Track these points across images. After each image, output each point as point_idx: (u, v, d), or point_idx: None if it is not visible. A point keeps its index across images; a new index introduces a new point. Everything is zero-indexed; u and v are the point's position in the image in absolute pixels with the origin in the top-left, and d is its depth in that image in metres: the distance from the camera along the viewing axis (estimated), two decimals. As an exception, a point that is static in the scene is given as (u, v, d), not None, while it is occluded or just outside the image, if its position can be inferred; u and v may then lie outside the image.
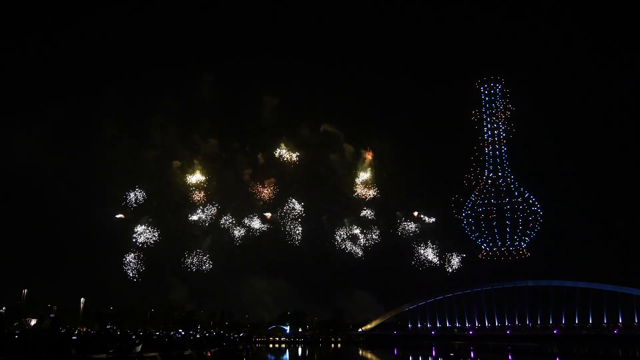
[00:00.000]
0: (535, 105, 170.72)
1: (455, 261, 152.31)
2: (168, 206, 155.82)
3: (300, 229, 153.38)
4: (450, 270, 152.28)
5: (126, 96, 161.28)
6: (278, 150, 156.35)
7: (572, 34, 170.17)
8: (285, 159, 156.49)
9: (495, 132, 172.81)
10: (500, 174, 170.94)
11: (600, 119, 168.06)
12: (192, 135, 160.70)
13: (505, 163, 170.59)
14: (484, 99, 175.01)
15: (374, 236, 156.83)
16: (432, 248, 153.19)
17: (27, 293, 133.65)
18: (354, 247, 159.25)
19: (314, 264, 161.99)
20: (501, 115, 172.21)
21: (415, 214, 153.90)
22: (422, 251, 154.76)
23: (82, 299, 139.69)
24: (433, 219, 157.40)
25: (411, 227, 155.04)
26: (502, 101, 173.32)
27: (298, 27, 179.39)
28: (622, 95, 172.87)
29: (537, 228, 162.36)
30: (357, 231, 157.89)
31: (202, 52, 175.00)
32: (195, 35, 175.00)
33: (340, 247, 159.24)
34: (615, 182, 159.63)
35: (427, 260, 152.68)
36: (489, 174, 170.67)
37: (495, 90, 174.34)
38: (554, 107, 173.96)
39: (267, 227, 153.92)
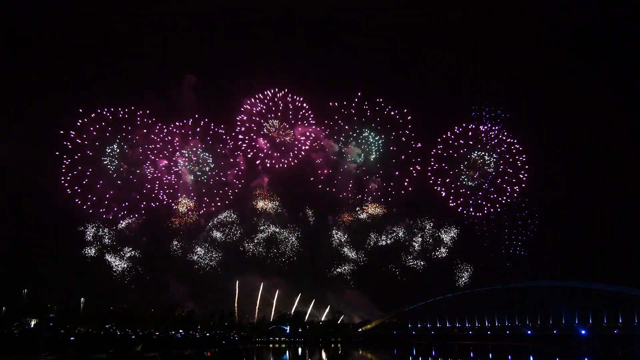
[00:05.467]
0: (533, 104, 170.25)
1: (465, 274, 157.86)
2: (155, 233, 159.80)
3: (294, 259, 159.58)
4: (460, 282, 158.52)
5: (111, 96, 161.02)
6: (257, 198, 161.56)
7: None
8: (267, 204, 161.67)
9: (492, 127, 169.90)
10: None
11: (600, 117, 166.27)
12: (175, 136, 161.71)
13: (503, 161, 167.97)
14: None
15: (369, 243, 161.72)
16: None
17: (27, 293, 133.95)
18: (348, 251, 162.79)
19: (312, 265, 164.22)
20: (499, 112, 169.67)
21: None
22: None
23: (82, 299, 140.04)
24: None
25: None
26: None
27: (285, 29, 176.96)
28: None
29: (535, 229, 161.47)
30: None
31: (185, 54, 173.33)
32: (179, 36, 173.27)
33: (334, 249, 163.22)
34: (615, 182, 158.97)
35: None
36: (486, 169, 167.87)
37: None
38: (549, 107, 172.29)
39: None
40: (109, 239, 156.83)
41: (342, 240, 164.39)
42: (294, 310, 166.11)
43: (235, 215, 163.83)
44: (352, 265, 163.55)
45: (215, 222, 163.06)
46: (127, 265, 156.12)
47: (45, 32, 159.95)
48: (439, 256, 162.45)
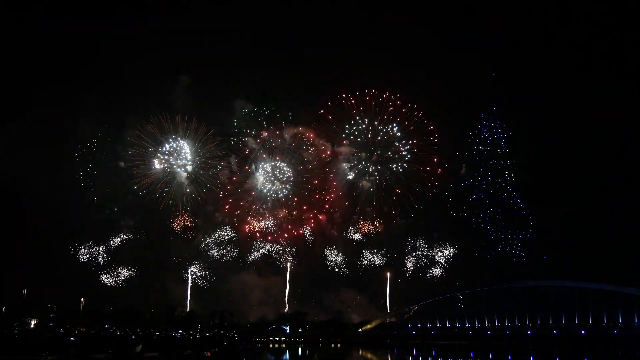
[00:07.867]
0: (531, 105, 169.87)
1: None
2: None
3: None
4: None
5: (103, 96, 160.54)
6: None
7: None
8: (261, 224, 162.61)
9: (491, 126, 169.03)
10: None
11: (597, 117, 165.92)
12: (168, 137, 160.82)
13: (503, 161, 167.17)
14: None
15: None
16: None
17: (27, 293, 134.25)
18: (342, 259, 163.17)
19: (311, 265, 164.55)
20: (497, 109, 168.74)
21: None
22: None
23: (82, 299, 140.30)
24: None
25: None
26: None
27: (276, 31, 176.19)
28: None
29: (530, 230, 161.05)
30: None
31: (179, 56, 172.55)
32: (173, 38, 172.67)
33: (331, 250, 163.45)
34: (614, 181, 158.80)
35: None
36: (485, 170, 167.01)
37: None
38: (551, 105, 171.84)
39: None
40: (102, 258, 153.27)
41: (338, 261, 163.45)
42: (294, 310, 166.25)
43: (232, 233, 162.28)
44: (348, 285, 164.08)
45: (209, 241, 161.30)
46: (124, 284, 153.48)
47: (43, 32, 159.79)
48: (434, 277, 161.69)
